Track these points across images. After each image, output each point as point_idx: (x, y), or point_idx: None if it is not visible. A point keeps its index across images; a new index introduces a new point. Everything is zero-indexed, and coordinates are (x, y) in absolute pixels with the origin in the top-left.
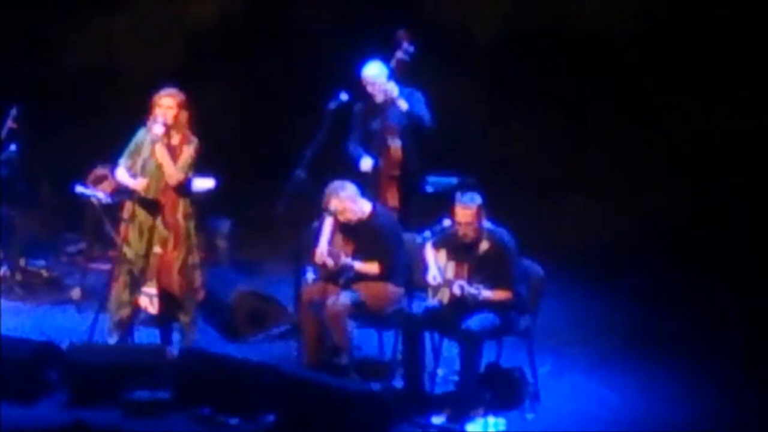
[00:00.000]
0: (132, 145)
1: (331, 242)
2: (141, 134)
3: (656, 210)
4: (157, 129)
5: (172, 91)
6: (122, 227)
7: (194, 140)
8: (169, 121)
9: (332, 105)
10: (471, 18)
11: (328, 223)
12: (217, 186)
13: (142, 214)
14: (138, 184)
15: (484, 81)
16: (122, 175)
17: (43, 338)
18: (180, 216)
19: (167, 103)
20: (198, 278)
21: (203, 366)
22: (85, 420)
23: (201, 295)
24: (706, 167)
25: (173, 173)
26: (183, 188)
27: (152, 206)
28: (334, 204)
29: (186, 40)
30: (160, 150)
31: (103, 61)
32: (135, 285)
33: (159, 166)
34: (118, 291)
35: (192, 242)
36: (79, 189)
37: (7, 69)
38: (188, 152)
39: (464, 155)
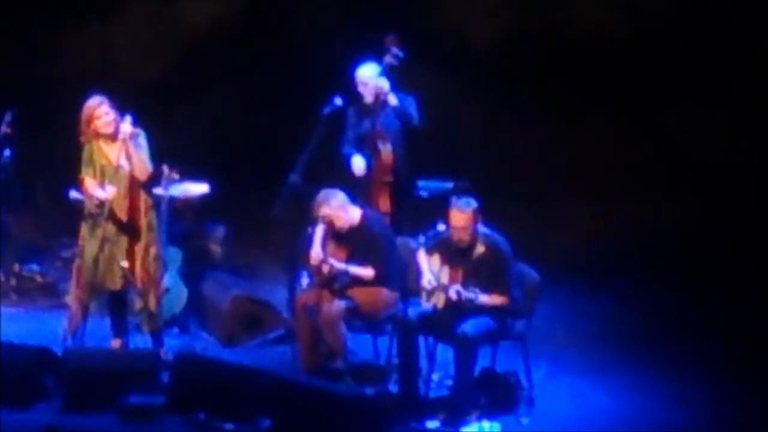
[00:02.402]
0: (86, 156)
1: (324, 248)
2: (87, 147)
3: (653, 214)
4: (126, 127)
5: (102, 98)
6: (84, 230)
7: (140, 131)
8: (116, 123)
9: (327, 110)
10: (467, 22)
11: (320, 228)
12: (212, 191)
13: (107, 214)
14: (108, 193)
15: (480, 85)
16: (92, 185)
17: (38, 343)
18: (143, 210)
19: (105, 110)
20: (160, 271)
21: (198, 371)
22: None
23: (161, 289)
24: (704, 172)
25: (144, 169)
26: (149, 181)
27: (121, 214)
28: (324, 212)
29: (181, 45)
30: (132, 149)
31: (99, 66)
32: (92, 288)
33: (116, 169)
34: (77, 293)
35: (153, 235)
36: (74, 194)
37: (1, 73)
38: (143, 144)
39: (460, 160)
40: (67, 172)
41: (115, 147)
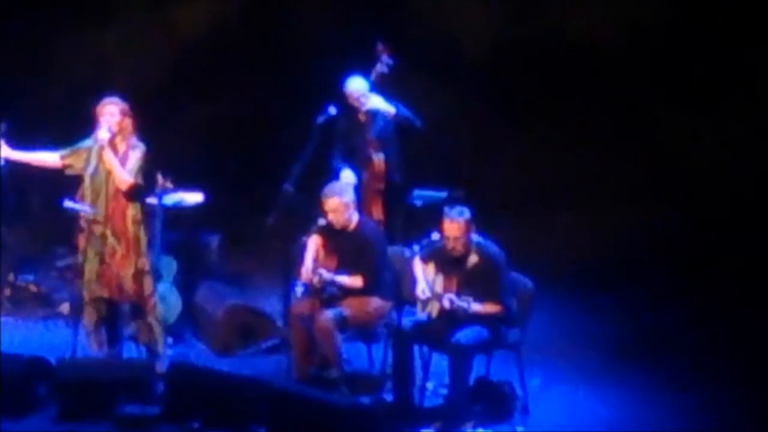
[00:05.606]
0: (76, 146)
1: (314, 259)
2: (87, 141)
3: (646, 223)
4: (103, 134)
5: (114, 99)
6: (79, 238)
7: (140, 145)
8: (114, 128)
9: (320, 119)
10: (459, 30)
11: (313, 241)
12: (206, 200)
13: (92, 223)
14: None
15: (472, 94)
16: (50, 156)
17: (33, 353)
18: (129, 222)
19: (110, 111)
20: (149, 285)
21: (193, 380)
22: None
23: (152, 302)
24: (697, 181)
25: (123, 178)
26: (133, 194)
27: (102, 215)
28: (333, 203)
29: (175, 54)
30: (108, 155)
31: (94, 74)
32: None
33: (108, 174)
34: (85, 301)
35: (142, 249)
36: (68, 204)
37: None
38: (135, 157)
39: (453, 169)
40: (61, 182)
41: (119, 150)
